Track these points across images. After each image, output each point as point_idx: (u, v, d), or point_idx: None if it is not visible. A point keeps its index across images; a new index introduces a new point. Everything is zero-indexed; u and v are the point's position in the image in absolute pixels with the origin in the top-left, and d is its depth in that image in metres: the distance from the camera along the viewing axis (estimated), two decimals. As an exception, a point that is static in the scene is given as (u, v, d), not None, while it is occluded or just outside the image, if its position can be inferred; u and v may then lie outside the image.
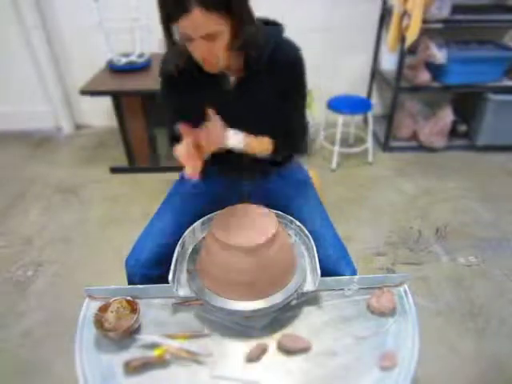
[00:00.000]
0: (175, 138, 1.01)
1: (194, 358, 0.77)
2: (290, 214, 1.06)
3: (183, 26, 0.79)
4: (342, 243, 1.06)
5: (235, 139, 0.94)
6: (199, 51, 0.84)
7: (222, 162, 1.05)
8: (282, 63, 0.94)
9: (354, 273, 1.01)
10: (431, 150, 2.76)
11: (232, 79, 0.97)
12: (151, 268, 1.00)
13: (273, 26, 0.97)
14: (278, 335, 0.82)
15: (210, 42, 0.81)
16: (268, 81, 0.96)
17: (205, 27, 0.79)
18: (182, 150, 0.85)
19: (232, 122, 0.97)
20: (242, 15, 0.82)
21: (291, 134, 1.07)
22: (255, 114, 1.01)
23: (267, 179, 1.18)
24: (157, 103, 2.75)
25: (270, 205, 1.02)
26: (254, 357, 0.77)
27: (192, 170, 0.83)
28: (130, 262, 1.03)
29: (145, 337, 0.82)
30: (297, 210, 1.10)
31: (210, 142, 0.88)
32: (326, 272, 0.96)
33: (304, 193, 1.17)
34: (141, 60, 2.47)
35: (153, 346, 0.79)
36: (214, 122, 0.88)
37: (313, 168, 1.56)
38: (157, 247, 1.02)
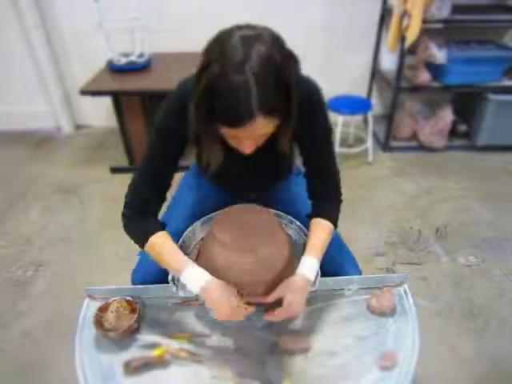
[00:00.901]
0: (146, 204, 0.87)
1: (193, 358, 0.77)
2: (293, 215, 1.05)
3: (237, 131, 0.68)
4: (346, 246, 1.06)
5: (314, 271, 0.84)
6: (244, 147, 0.76)
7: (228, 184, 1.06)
8: (303, 100, 0.79)
9: (359, 275, 1.00)
10: (431, 149, 2.76)
11: None
12: (160, 281, 0.92)
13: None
14: (277, 335, 0.82)
15: (259, 139, 0.76)
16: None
17: (261, 131, 0.70)
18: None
19: (247, 177, 0.98)
20: (291, 118, 0.73)
21: (326, 185, 0.96)
22: (272, 166, 0.98)
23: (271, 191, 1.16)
24: (157, 103, 2.75)
25: (271, 207, 1.02)
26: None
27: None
28: (137, 275, 0.98)
29: (145, 337, 0.82)
30: (298, 214, 1.09)
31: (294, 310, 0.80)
32: (331, 275, 0.96)
33: (305, 197, 1.15)
34: (141, 60, 2.47)
35: (153, 345, 0.79)
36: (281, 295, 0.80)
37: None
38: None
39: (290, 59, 0.70)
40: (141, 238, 0.84)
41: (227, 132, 0.71)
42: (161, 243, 0.83)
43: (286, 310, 0.78)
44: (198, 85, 0.67)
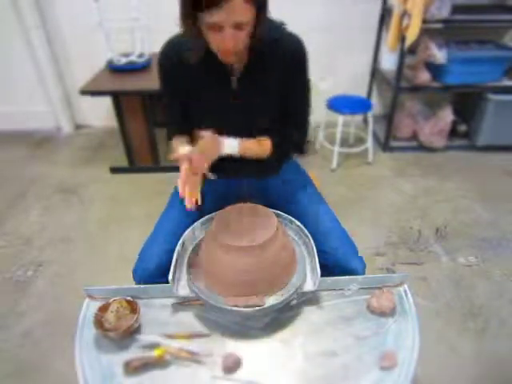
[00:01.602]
0: (175, 130, 1.09)
1: (193, 358, 0.77)
2: (294, 214, 1.06)
3: (216, 15, 0.76)
4: (349, 237, 1.07)
5: (230, 147, 0.98)
6: (226, 41, 0.82)
7: (220, 165, 1.05)
8: (286, 51, 0.95)
9: (363, 265, 1.02)
10: (431, 149, 2.76)
11: (236, 67, 0.97)
12: (161, 276, 0.95)
13: (275, 19, 0.97)
14: (277, 335, 0.82)
15: (237, 31, 0.81)
16: (271, 69, 0.97)
17: (240, 15, 0.78)
18: (180, 180, 0.84)
19: (236, 111, 1.01)
20: (266, 6, 0.84)
21: (292, 127, 1.08)
22: (259, 103, 1.02)
23: (267, 181, 1.18)
24: (157, 103, 2.75)
25: (271, 206, 1.02)
26: (229, 369, 0.76)
27: (189, 198, 0.83)
28: (138, 271, 1.00)
29: (145, 337, 0.82)
30: (301, 210, 1.10)
31: (205, 157, 0.89)
32: (336, 266, 0.98)
33: (306, 192, 1.17)
34: (141, 60, 2.48)
35: (153, 345, 0.79)
36: (206, 136, 0.91)
37: (313, 168, 1.56)
38: (164, 254, 0.98)
39: None
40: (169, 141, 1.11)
41: (208, 19, 0.78)
42: (175, 142, 1.08)
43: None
44: None
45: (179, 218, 1.08)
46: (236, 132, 1.02)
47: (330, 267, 0.99)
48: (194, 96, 1.02)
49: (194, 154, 0.85)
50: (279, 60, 0.96)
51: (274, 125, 1.06)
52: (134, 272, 1.01)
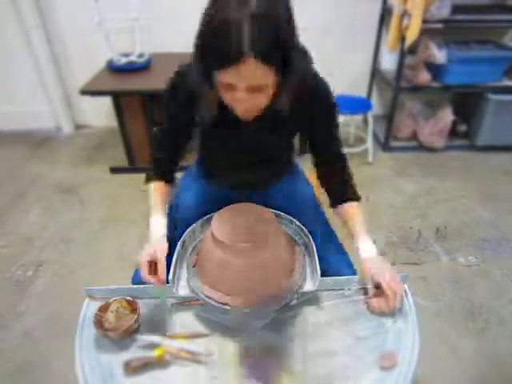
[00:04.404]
0: (158, 171, 1.01)
1: (193, 357, 0.77)
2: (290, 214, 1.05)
3: (229, 74, 0.68)
4: (342, 247, 1.07)
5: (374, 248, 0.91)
6: (239, 102, 0.76)
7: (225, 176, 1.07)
8: (316, 101, 0.90)
9: (354, 274, 1.01)
10: (431, 150, 2.76)
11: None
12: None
13: (302, 54, 0.86)
14: (277, 335, 0.82)
15: (254, 94, 0.73)
16: (296, 105, 0.87)
17: (255, 79, 0.69)
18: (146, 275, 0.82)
19: (249, 147, 0.98)
20: (291, 70, 0.73)
21: (337, 154, 1.02)
22: (275, 140, 0.98)
23: (267, 193, 1.16)
24: (157, 103, 2.75)
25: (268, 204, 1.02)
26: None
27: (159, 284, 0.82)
28: (137, 276, 0.97)
29: (145, 337, 0.81)
30: (297, 212, 1.09)
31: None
32: (326, 275, 0.96)
33: (302, 199, 1.15)
34: (141, 60, 2.47)
35: (153, 346, 0.79)
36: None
37: (312, 169, 1.55)
38: (168, 258, 0.95)
39: (291, 21, 0.71)
40: (146, 181, 1.03)
41: (221, 78, 0.71)
42: (152, 189, 1.00)
43: (392, 292, 0.82)
44: (199, 27, 0.69)
45: (182, 222, 1.07)
46: (250, 158, 1.01)
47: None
48: (204, 132, 0.97)
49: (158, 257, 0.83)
50: (309, 98, 0.89)
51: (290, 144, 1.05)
52: (134, 273, 1.00)
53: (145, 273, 0.81)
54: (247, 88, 0.71)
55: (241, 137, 0.95)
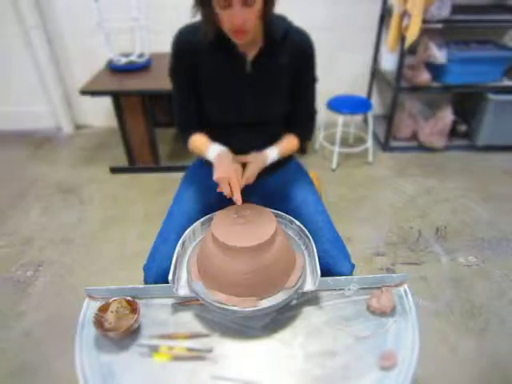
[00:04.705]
0: (187, 124, 1.13)
1: (194, 355, 0.77)
2: (287, 210, 1.07)
3: None
4: (340, 239, 1.07)
5: (272, 157, 1.06)
6: (235, 18, 0.85)
7: None
8: (296, 43, 1.00)
9: (352, 268, 1.02)
10: (431, 149, 2.76)
11: (249, 56, 1.00)
12: None
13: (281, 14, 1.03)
14: (277, 335, 0.82)
15: (247, 9, 0.84)
16: (282, 59, 1.01)
17: None
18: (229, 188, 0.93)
19: (252, 97, 1.04)
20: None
21: (303, 119, 1.15)
22: (271, 92, 1.05)
23: (267, 180, 1.18)
24: (157, 103, 2.75)
25: (266, 202, 1.03)
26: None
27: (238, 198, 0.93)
28: (151, 269, 0.99)
29: (145, 337, 0.82)
30: (294, 210, 1.11)
31: (253, 174, 1.00)
32: (324, 267, 0.97)
33: (302, 192, 1.17)
34: (141, 60, 2.48)
35: (153, 346, 0.79)
36: (251, 158, 1.02)
37: (313, 168, 1.56)
38: (168, 258, 0.96)
39: None
40: (186, 141, 1.15)
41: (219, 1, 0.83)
42: (193, 141, 1.12)
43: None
44: None
45: (188, 213, 1.10)
46: (250, 118, 1.07)
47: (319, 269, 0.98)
48: (209, 83, 1.04)
49: (232, 177, 0.93)
50: (290, 50, 1.00)
51: (286, 111, 1.11)
52: (147, 270, 1.00)
53: (227, 190, 0.93)
54: (240, 2, 0.83)
55: (240, 94, 1.04)
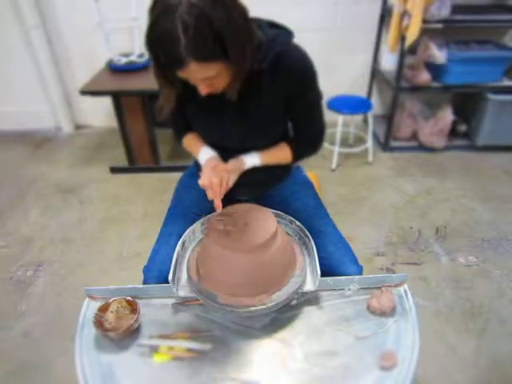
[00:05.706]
0: (178, 125, 1.13)
1: (194, 355, 0.77)
2: (289, 214, 1.06)
3: (181, 73, 0.76)
4: (345, 241, 1.06)
5: (251, 162, 1.02)
6: (201, 89, 0.82)
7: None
8: (291, 69, 0.90)
9: (359, 271, 1.00)
10: (431, 149, 2.76)
11: (230, 93, 0.89)
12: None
13: (280, 31, 0.91)
14: (277, 335, 0.82)
15: (211, 81, 0.80)
16: (270, 85, 0.91)
17: (203, 75, 0.76)
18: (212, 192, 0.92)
19: (234, 129, 0.99)
20: (241, 57, 0.76)
21: (309, 135, 1.10)
22: (258, 123, 0.99)
23: (267, 193, 1.18)
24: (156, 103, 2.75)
25: (268, 206, 1.02)
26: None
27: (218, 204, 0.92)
28: (152, 270, 0.99)
29: (145, 337, 0.82)
30: (296, 211, 1.10)
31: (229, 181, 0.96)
32: (330, 271, 0.97)
33: (303, 193, 1.17)
34: (141, 60, 2.48)
35: (153, 346, 0.79)
36: (230, 168, 0.98)
37: (313, 168, 1.56)
38: (167, 258, 0.96)
39: (223, 5, 0.70)
40: (180, 141, 1.16)
41: (177, 74, 0.77)
42: (187, 141, 1.13)
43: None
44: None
45: (187, 215, 1.09)
46: (236, 145, 1.03)
47: (324, 272, 0.97)
48: (192, 108, 1.02)
49: (214, 182, 0.90)
50: (283, 76, 0.90)
51: (278, 135, 1.07)
52: (148, 272, 1.00)
53: (214, 194, 0.91)
54: (202, 80, 0.78)
55: (223, 121, 0.99)
